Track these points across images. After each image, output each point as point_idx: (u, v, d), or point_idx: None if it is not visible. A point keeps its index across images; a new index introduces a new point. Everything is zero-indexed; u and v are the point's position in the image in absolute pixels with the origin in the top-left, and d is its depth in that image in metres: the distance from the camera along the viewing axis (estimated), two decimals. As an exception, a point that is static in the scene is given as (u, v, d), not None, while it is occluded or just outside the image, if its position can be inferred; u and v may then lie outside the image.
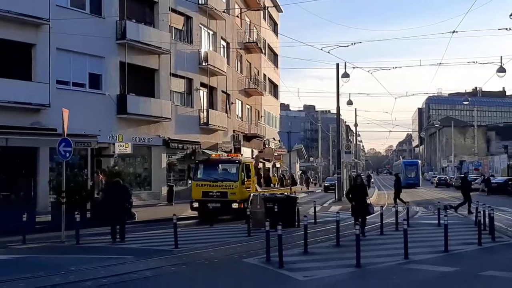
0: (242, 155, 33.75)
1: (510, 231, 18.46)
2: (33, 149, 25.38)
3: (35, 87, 25.45)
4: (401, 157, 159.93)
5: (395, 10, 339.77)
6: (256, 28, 51.73)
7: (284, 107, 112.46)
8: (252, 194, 24.54)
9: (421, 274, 11.10)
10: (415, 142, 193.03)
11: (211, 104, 39.88)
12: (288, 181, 41.96)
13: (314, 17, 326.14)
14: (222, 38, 42.06)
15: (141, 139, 31.75)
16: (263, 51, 54.66)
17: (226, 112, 42.56)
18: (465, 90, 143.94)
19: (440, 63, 54.92)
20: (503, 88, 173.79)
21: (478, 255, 13.81)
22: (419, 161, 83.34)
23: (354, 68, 53.56)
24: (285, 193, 23.49)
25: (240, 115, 47.61)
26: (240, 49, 46.72)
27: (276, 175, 54.25)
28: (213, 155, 26.83)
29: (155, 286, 10.66)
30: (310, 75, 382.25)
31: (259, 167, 42.68)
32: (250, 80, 49.63)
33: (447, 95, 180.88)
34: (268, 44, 58.85)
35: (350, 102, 47.58)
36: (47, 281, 10.47)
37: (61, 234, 16.82)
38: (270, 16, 61.01)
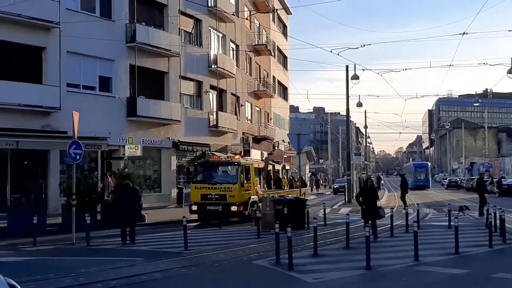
0: (249, 157, 33.74)
1: (522, 233, 18.34)
2: (43, 152, 25.53)
3: (46, 90, 25.60)
4: (411, 159, 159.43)
5: (405, 11, 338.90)
6: (265, 31, 51.77)
7: (294, 109, 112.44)
8: (261, 196, 24.47)
9: (431, 276, 11.05)
10: (425, 144, 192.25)
11: (221, 107, 39.93)
12: (298, 183, 41.95)
13: (323, 19, 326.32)
14: (231, 40, 42.11)
15: (151, 141, 31.83)
16: (273, 53, 54.67)
17: (236, 114, 42.60)
18: (476, 92, 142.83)
19: (450, 65, 54.98)
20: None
21: (489, 257, 13.73)
22: (429, 163, 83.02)
23: (363, 70, 53.58)
24: (295, 195, 23.44)
25: (249, 117, 47.64)
26: (250, 51, 46.77)
27: (285, 177, 54.18)
28: (212, 157, 26.54)
29: (165, 288, 10.67)
30: (319, 77, 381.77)
31: (268, 169, 42.58)
32: (260, 83, 49.66)
33: (457, 96, 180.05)
34: (278, 46, 58.87)
35: (359, 104, 47.48)
36: (57, 283, 10.51)
37: (72, 236, 16.87)
38: (279, 18, 61.04)
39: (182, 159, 35.55)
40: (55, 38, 25.95)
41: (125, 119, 30.10)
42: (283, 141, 54.51)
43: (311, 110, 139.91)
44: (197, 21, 36.99)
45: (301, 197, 23.10)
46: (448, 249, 13.89)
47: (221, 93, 40.13)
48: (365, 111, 73.87)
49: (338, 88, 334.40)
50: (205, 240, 17.43)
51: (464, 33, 28.85)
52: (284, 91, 64.33)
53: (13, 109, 23.93)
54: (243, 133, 43.85)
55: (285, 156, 53.96)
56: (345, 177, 44.29)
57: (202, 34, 37.35)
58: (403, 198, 31.84)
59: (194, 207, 23.46)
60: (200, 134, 36.60)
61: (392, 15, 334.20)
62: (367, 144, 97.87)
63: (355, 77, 37.10)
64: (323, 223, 20.94)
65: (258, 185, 32.16)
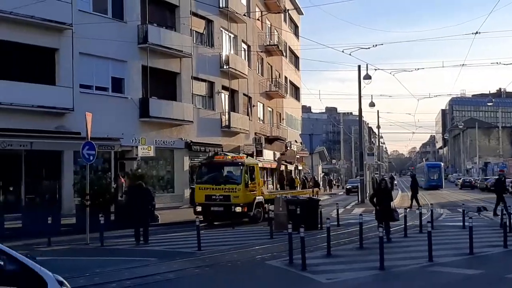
0: (262, 158, 33.70)
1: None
2: (57, 153, 25.67)
3: (59, 91, 25.73)
4: (424, 159, 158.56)
5: (417, 11, 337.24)
6: (277, 31, 51.73)
7: (306, 109, 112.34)
8: (267, 197, 24.25)
9: (445, 276, 10.98)
10: (439, 144, 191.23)
11: (233, 107, 39.96)
12: (310, 183, 41.89)
13: (335, 19, 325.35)
14: (243, 41, 42.14)
15: (163, 142, 31.91)
16: (284, 53, 54.64)
17: (248, 114, 42.60)
18: (489, 91, 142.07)
19: (463, 64, 54.78)
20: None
21: (504, 257, 13.64)
22: (442, 163, 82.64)
23: (375, 70, 53.56)
24: (308, 195, 23.37)
25: (261, 118, 47.62)
26: (261, 52, 46.77)
27: (298, 177, 54.15)
28: (216, 157, 26.05)
29: (178, 288, 10.70)
30: (331, 77, 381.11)
31: (281, 169, 42.64)
32: (271, 83, 49.65)
33: (470, 96, 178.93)
34: (289, 47, 58.82)
35: (372, 104, 47.31)
36: (72, 283, 10.45)
37: (86, 237, 16.96)
38: (291, 19, 61.00)
39: (195, 159, 35.58)
40: (67, 40, 26.08)
41: (137, 120, 30.20)
42: (296, 141, 54.47)
43: (324, 110, 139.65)
44: (209, 22, 37.04)
45: (314, 197, 23.02)
46: (463, 250, 13.80)
47: (233, 93, 40.16)
48: (378, 111, 73.80)
49: (350, 88, 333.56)
50: (218, 240, 17.45)
51: (476, 33, 28.74)
52: (296, 91, 64.27)
53: (27, 110, 24.08)
54: (255, 133, 43.85)
55: (298, 157, 54.03)
56: (358, 177, 44.12)
57: (214, 34, 37.40)
58: (413, 198, 31.67)
59: (199, 208, 22.88)
60: (213, 135, 36.64)
61: (404, 15, 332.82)
62: (380, 144, 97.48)
63: (367, 77, 36.98)
64: (336, 223, 20.88)
65: (266, 185, 31.99)
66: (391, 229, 16.85)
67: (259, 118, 46.68)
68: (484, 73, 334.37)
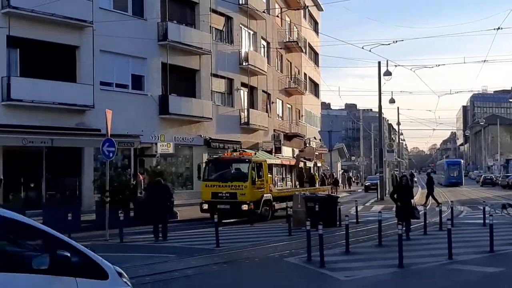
0: (280, 154, 33.54)
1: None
2: (77, 149, 25.90)
3: (80, 89, 25.95)
4: (444, 156, 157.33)
5: (437, 6, 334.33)
6: (297, 27, 51.60)
7: (325, 106, 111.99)
8: (275, 194, 23.99)
9: (465, 274, 10.90)
10: (460, 141, 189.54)
11: (252, 104, 39.97)
12: (330, 180, 41.77)
13: (355, 15, 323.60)
14: (262, 37, 42.10)
15: (182, 139, 32.03)
16: (304, 50, 54.48)
17: (267, 111, 42.58)
18: (511, 87, 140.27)
19: (485, 60, 54.00)
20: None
21: (525, 255, 13.47)
22: (462, 161, 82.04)
23: (396, 66, 52.97)
24: (326, 193, 23.29)
25: (280, 115, 47.57)
26: (281, 48, 46.68)
27: (317, 174, 54.02)
28: (224, 154, 25.72)
29: (196, 285, 10.73)
30: (351, 73, 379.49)
31: (300, 166, 42.52)
32: (291, 80, 49.53)
33: (492, 92, 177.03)
34: (309, 43, 58.64)
35: (392, 101, 47.12)
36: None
37: (105, 233, 17.10)
38: (311, 15, 60.79)
39: (214, 156, 35.62)
40: (88, 37, 26.28)
41: (157, 117, 30.35)
42: (315, 138, 54.30)
43: (343, 107, 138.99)
44: (228, 19, 37.06)
45: (333, 194, 22.93)
46: (483, 247, 13.67)
47: (252, 90, 40.17)
48: (398, 107, 73.16)
49: (370, 84, 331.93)
50: (236, 237, 17.50)
51: (498, 28, 28.42)
52: (315, 88, 64.07)
53: (48, 107, 24.32)
54: (274, 130, 43.83)
55: (317, 153, 53.78)
56: (377, 174, 43.90)
57: (233, 31, 37.42)
58: (429, 196, 31.56)
59: (205, 206, 22.67)
60: (232, 132, 36.69)
61: (424, 11, 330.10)
62: (400, 141, 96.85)
63: (388, 73, 36.79)
64: (355, 220, 20.83)
65: (284, 182, 31.73)
66: (411, 227, 16.70)
67: (278, 115, 46.63)
68: (506, 69, 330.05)
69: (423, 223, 17.96)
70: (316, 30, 63.64)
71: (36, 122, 23.75)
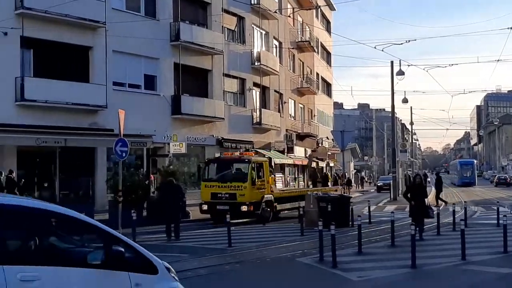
0: (293, 154, 33.48)
1: None
2: (90, 149, 26.03)
3: (93, 89, 26.07)
4: (458, 156, 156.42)
5: (450, 6, 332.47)
6: (309, 27, 51.52)
7: (338, 105, 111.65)
8: (277, 195, 23.65)
9: (478, 275, 10.83)
10: (474, 141, 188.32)
11: (264, 104, 39.96)
12: (341, 180, 41.67)
13: (367, 15, 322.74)
14: (274, 37, 42.08)
15: (195, 138, 32.09)
16: (316, 50, 54.39)
17: (279, 111, 42.56)
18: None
19: (499, 60, 53.69)
20: None
21: (540, 256, 13.34)
22: (475, 161, 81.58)
23: (408, 65, 52.55)
24: (339, 193, 23.20)
25: (293, 114, 47.52)
26: (293, 48, 46.62)
27: (329, 174, 53.95)
28: (225, 153, 25.50)
29: (209, 284, 10.75)
30: (363, 73, 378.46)
31: (313, 166, 42.47)
32: (303, 79, 49.46)
33: (506, 92, 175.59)
34: (321, 43, 58.52)
35: (405, 100, 46.91)
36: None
37: (118, 232, 17.14)
38: (323, 15, 60.65)
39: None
40: (101, 38, 26.40)
41: (169, 117, 30.42)
42: (327, 138, 54.20)
43: (356, 107, 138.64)
44: (240, 19, 37.08)
45: (345, 194, 22.85)
46: (496, 248, 13.57)
47: (264, 90, 40.17)
48: (411, 107, 72.78)
49: (382, 84, 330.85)
50: (248, 237, 17.51)
51: (512, 27, 28.21)
52: (327, 88, 63.94)
53: (61, 108, 24.46)
54: (286, 130, 43.77)
55: (329, 153, 53.69)
56: (390, 174, 43.70)
57: (245, 31, 37.43)
58: (437, 197, 31.47)
59: (204, 207, 22.29)
60: (244, 131, 36.70)
61: (437, 10, 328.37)
62: (413, 141, 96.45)
63: (401, 72, 36.64)
64: (367, 221, 20.77)
65: (297, 182, 31.64)
66: (424, 227, 16.56)
67: (290, 115, 46.58)
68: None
69: (436, 223, 17.86)
70: (328, 29, 63.50)
71: (49, 122, 23.89)
